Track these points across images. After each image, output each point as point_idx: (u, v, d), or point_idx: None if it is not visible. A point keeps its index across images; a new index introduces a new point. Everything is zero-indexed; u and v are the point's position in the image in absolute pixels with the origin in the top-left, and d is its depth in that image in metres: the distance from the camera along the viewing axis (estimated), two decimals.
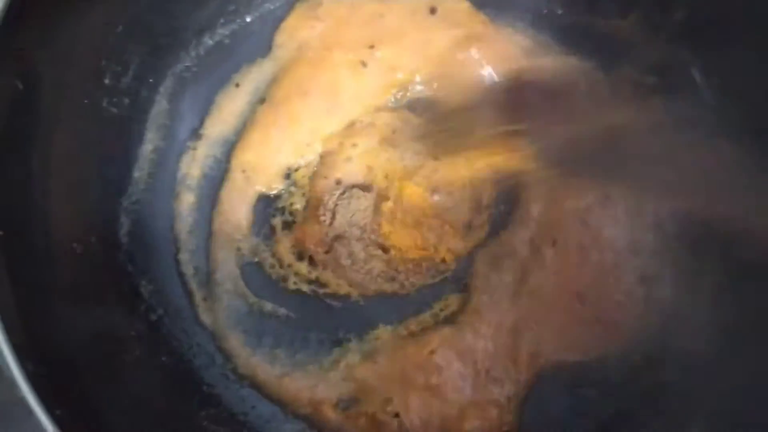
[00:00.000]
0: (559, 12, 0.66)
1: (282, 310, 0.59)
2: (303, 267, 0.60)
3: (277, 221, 0.61)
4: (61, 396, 0.38)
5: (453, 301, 0.59)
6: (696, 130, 0.61)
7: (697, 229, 0.59)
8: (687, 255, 0.59)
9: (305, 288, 0.60)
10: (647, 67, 0.64)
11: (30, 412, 0.38)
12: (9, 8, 0.43)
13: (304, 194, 0.62)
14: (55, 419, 0.37)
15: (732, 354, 0.54)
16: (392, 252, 0.61)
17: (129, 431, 0.45)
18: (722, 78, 0.60)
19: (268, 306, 0.59)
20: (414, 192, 0.62)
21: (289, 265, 0.60)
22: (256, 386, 0.56)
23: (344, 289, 0.59)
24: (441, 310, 0.59)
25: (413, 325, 0.59)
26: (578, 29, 0.65)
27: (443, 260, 0.61)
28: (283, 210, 0.61)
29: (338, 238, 0.61)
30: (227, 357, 0.57)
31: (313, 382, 0.57)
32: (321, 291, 0.60)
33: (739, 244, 0.53)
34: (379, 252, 0.61)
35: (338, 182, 0.63)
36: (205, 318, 0.58)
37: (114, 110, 0.57)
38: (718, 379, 0.54)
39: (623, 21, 0.65)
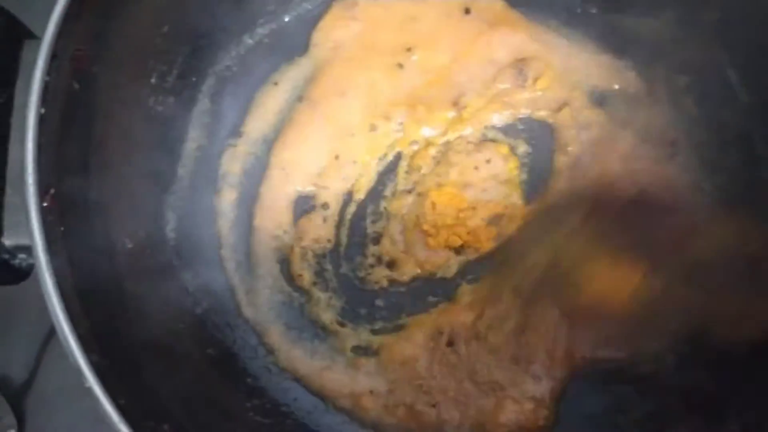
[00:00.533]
0: (593, 11, 0.67)
1: None
2: None
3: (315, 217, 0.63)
4: (124, 386, 0.40)
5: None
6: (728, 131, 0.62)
7: None
8: None
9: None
10: (681, 66, 0.65)
11: (94, 399, 0.39)
12: (67, 12, 0.45)
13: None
14: (120, 408, 0.38)
15: (765, 350, 0.55)
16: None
17: (185, 421, 0.46)
18: (757, 78, 0.61)
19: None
20: (445, 192, 0.63)
21: None
22: (297, 379, 0.58)
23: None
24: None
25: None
26: (612, 28, 0.66)
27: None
28: (324, 206, 0.63)
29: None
30: (269, 350, 0.58)
31: (353, 374, 0.58)
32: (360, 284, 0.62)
33: None
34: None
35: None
36: (248, 312, 0.59)
37: (160, 109, 0.59)
38: (752, 374, 0.54)
39: (657, 20, 0.65)
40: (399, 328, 0.59)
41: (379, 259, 0.62)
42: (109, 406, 0.38)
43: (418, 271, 0.62)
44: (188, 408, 0.48)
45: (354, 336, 0.59)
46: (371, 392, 0.57)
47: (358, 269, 0.61)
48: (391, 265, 0.62)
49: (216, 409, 0.52)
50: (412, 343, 0.58)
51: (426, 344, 0.58)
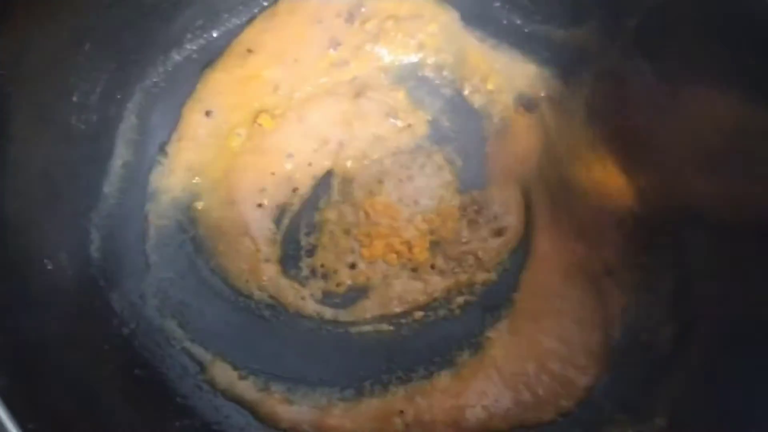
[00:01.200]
0: (518, 22, 0.68)
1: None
2: None
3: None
4: (35, 410, 0.39)
5: None
6: None
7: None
8: (645, 253, 0.61)
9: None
10: (603, 73, 0.67)
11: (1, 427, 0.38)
12: None
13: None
14: None
15: (687, 345, 0.57)
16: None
17: None
18: (673, 82, 0.63)
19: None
20: (379, 202, 0.64)
21: None
22: (234, 400, 0.57)
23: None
24: None
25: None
26: (537, 38, 0.68)
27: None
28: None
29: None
30: (201, 368, 0.57)
31: (290, 401, 0.58)
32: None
33: None
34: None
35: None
36: (178, 331, 0.58)
37: (83, 127, 0.58)
38: (677, 369, 0.56)
39: (579, 30, 0.67)
40: None
41: (313, 271, 0.62)
42: (16, 430, 0.37)
43: (351, 282, 0.62)
44: (108, 427, 0.47)
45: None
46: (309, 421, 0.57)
47: (293, 282, 0.61)
48: (326, 276, 0.62)
49: (140, 427, 0.51)
50: None
51: None
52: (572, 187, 0.64)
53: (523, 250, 0.63)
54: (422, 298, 0.61)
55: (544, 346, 0.56)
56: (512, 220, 0.64)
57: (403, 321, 0.61)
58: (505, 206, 0.65)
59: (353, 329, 0.60)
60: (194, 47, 0.66)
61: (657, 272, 0.59)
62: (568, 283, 0.59)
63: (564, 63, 0.67)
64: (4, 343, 0.41)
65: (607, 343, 0.57)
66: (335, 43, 0.67)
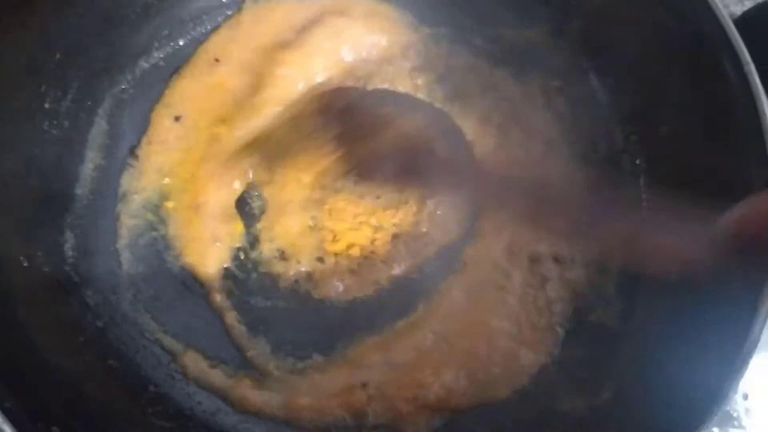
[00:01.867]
0: (472, 25, 0.72)
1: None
2: None
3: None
4: (11, 390, 0.42)
5: None
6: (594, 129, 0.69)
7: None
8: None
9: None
10: (552, 72, 0.71)
11: None
12: None
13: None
14: (4, 411, 0.40)
15: (635, 326, 0.60)
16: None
17: (79, 426, 0.48)
18: (612, 80, 0.67)
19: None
20: (342, 198, 0.67)
21: None
22: (206, 388, 0.59)
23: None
24: None
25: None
26: (489, 40, 0.72)
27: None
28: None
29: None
30: (173, 358, 0.60)
31: (259, 386, 0.60)
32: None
33: None
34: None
35: None
36: (151, 324, 0.61)
37: (55, 132, 0.61)
38: (624, 348, 0.60)
39: (529, 32, 0.71)
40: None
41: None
42: None
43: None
44: (83, 412, 0.49)
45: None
46: (280, 405, 0.59)
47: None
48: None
49: (114, 414, 0.53)
50: None
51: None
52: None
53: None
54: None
55: (492, 324, 0.59)
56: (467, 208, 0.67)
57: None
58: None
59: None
60: (161, 55, 0.69)
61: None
62: (512, 260, 0.62)
63: (515, 63, 0.71)
64: None
65: (554, 322, 0.61)
66: None
